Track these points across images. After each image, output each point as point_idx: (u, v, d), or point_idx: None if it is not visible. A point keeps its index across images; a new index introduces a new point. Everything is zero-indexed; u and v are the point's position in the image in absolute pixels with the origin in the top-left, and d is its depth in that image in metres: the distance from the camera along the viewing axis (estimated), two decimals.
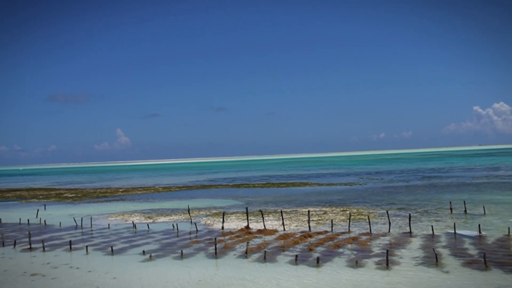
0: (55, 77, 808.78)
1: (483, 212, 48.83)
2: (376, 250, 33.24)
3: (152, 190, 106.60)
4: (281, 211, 48.07)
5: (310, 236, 39.52)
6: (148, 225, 50.54)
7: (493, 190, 72.64)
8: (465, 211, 50.04)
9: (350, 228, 42.53)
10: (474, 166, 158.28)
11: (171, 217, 56.97)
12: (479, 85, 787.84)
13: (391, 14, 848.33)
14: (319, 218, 50.61)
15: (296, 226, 46.00)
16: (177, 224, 48.96)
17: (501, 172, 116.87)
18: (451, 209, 51.44)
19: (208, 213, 59.55)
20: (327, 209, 58.14)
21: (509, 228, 37.64)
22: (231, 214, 56.76)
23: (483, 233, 37.27)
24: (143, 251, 35.86)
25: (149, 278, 28.39)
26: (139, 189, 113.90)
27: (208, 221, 52.05)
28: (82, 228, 51.28)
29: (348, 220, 45.93)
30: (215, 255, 33.64)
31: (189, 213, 55.33)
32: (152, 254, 34.71)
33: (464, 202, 52.86)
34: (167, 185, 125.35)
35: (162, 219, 56.14)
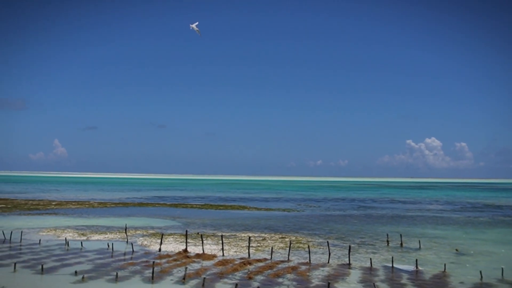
0: None
1: (418, 246, 49.86)
2: (316, 281, 33.11)
3: (86, 205, 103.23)
4: (221, 236, 47.39)
5: (250, 264, 39.00)
6: (81, 242, 48.57)
7: (426, 224, 74.65)
8: (401, 244, 50.97)
9: (290, 257, 42.34)
10: (407, 198, 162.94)
11: (106, 235, 55.09)
12: (411, 120, 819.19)
13: (336, 39, 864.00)
14: (258, 244, 50.22)
15: (235, 252, 45.39)
16: (112, 244, 47.28)
17: (433, 206, 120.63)
18: (387, 241, 52.27)
19: (145, 233, 58.00)
20: (266, 235, 57.86)
21: (445, 265, 38.50)
22: (169, 235, 55.49)
23: (419, 268, 37.93)
24: (75, 272, 34.24)
25: None
26: (73, 203, 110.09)
27: (145, 242, 50.62)
28: (10, 242, 48.65)
29: (287, 248, 45.78)
30: (152, 279, 32.57)
31: (125, 233, 53.65)
32: (85, 275, 33.20)
33: (401, 235, 53.85)
34: (103, 201, 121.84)
35: (96, 237, 54.19)
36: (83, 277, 32.63)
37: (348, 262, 40.34)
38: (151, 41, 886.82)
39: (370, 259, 40.48)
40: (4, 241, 49.24)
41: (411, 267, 38.13)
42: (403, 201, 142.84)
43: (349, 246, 43.17)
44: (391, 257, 41.26)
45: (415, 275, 35.83)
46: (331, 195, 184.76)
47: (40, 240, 49.81)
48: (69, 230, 59.17)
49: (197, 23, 71.82)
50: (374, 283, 30.90)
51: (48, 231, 57.55)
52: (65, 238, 50.08)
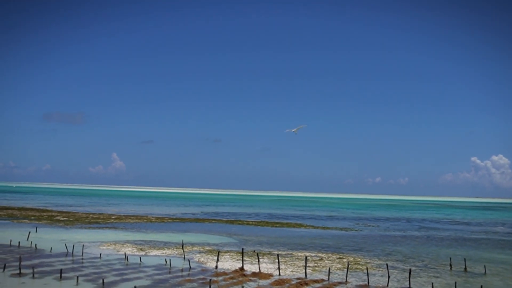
0: (53, 95, 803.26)
1: (483, 271, 47.77)
2: None
3: (145, 220, 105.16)
4: (278, 255, 46.95)
5: (306, 284, 38.40)
6: (140, 258, 49.31)
7: (493, 248, 71.59)
8: (465, 269, 48.97)
9: (347, 278, 41.42)
10: (472, 219, 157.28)
11: (164, 251, 55.75)
12: (477, 136, 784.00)
13: (402, 50, 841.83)
14: (315, 264, 49.47)
15: (292, 271, 44.85)
16: (170, 260, 47.84)
17: (500, 229, 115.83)
18: (450, 265, 50.35)
19: (201, 249, 58.32)
20: (323, 255, 56.99)
21: None
22: (225, 252, 55.55)
23: None
24: (135, 287, 34.70)
25: None
26: (132, 217, 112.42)
27: (202, 259, 50.83)
28: (73, 255, 49.98)
29: (344, 269, 44.88)
30: None
31: (182, 249, 54.15)
32: None
33: (465, 259, 51.80)
34: (160, 216, 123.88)
35: (154, 252, 54.92)
36: None
37: (408, 286, 39.05)
38: (206, 57, 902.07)
39: (432, 283, 38.93)
40: (67, 254, 50.65)
41: None
42: (467, 223, 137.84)
43: (410, 270, 41.80)
44: (454, 282, 39.72)
45: None
46: (390, 214, 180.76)
47: (100, 254, 50.94)
48: (128, 244, 60.28)
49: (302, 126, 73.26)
50: None
51: (108, 245, 58.81)
52: (125, 253, 50.98)
